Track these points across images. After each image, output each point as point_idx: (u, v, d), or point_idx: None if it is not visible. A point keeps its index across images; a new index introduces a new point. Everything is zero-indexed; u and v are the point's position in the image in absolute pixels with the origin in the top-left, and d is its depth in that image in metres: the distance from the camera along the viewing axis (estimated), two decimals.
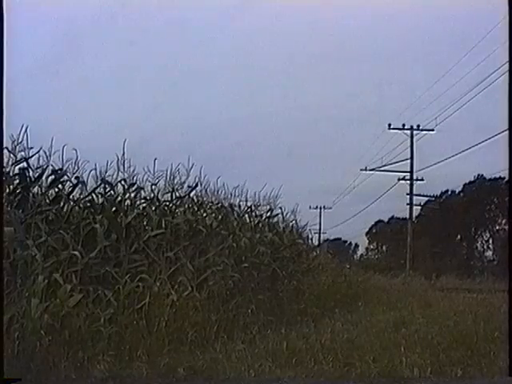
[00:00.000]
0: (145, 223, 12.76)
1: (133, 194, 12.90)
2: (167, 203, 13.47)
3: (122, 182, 12.64)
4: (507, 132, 7.35)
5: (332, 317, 13.54)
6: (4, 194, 9.91)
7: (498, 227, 66.46)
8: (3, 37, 6.32)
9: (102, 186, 12.47)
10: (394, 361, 8.78)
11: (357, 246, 49.74)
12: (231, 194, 15.30)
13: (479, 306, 13.82)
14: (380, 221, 45.90)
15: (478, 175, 63.63)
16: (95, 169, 12.31)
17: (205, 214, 14.21)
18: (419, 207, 38.84)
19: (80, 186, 12.16)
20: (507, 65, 7.32)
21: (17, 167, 11.24)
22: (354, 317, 13.80)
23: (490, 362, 8.73)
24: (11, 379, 7.42)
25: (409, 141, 52.31)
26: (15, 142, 10.95)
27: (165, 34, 22.14)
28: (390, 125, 52.81)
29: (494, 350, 9.32)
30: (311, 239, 21.84)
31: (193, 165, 13.56)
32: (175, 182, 13.47)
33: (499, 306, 13.44)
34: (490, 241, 66.19)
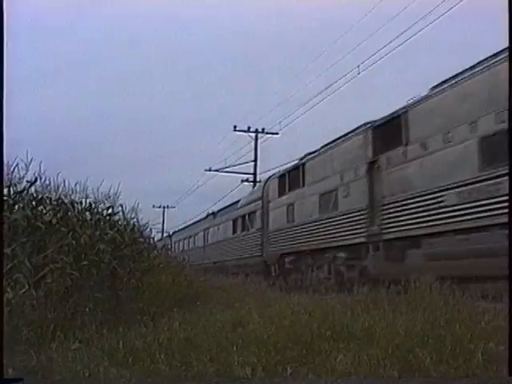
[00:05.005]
0: None
1: None
2: (5, 198, 13.02)
3: None
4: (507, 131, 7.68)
5: (171, 316, 13.57)
6: None
7: None
8: (3, 37, 6.09)
9: None
10: (230, 360, 8.91)
11: None
12: (72, 191, 15.00)
13: (315, 306, 14.21)
14: None
15: None
16: None
17: (44, 211, 13.85)
18: None
19: None
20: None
21: None
22: (193, 316, 13.89)
23: (323, 360, 8.99)
24: (12, 379, 7.20)
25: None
26: None
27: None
28: (235, 127, 53.62)
29: (327, 349, 9.61)
30: (153, 238, 21.80)
31: (31, 159, 13.21)
32: (14, 176, 13.06)
33: (333, 305, 13.96)
34: None
